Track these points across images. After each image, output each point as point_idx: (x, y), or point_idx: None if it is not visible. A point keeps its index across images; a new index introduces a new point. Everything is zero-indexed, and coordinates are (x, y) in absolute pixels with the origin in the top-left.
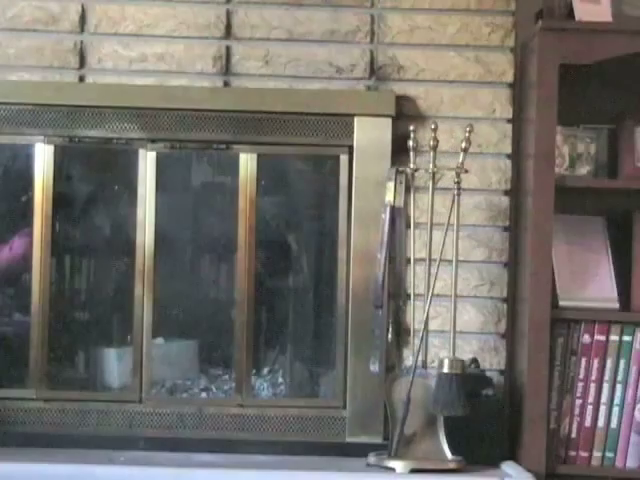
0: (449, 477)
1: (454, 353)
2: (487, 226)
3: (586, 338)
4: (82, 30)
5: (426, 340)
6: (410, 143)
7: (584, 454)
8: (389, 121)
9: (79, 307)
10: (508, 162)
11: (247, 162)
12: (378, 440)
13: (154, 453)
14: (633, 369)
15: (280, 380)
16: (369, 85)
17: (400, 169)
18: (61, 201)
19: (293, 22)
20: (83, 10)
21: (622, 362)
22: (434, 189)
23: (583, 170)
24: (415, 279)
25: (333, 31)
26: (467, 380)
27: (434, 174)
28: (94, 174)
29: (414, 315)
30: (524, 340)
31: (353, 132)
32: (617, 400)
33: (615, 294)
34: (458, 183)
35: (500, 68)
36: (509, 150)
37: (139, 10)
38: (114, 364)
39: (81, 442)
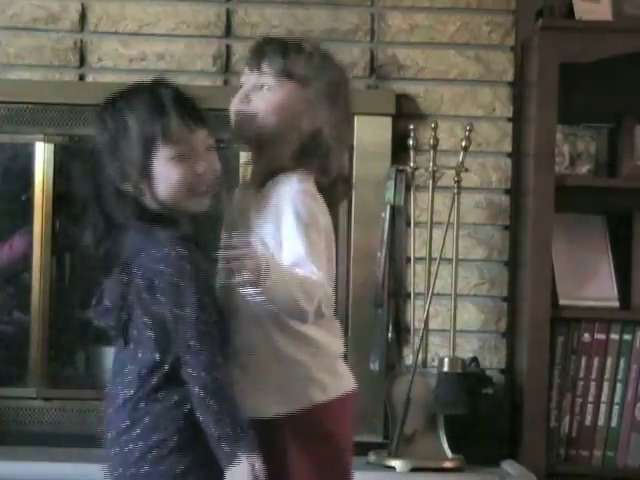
0: (449, 476)
1: (454, 352)
2: (487, 225)
3: (586, 337)
4: (82, 29)
5: (426, 339)
6: (410, 142)
7: (584, 453)
8: (389, 120)
9: (79, 306)
10: (508, 161)
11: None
12: (378, 439)
13: None
14: (633, 368)
15: None
16: (369, 84)
17: (400, 168)
18: (61, 200)
19: (293, 21)
20: (83, 9)
21: (622, 361)
22: (434, 188)
23: (583, 169)
24: (415, 278)
25: (333, 30)
26: (467, 379)
27: (434, 173)
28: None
29: (414, 314)
30: (524, 339)
31: (353, 131)
32: (617, 399)
33: (615, 293)
34: (458, 182)
35: (500, 67)
36: (509, 149)
37: (139, 9)
38: None
39: (81, 441)
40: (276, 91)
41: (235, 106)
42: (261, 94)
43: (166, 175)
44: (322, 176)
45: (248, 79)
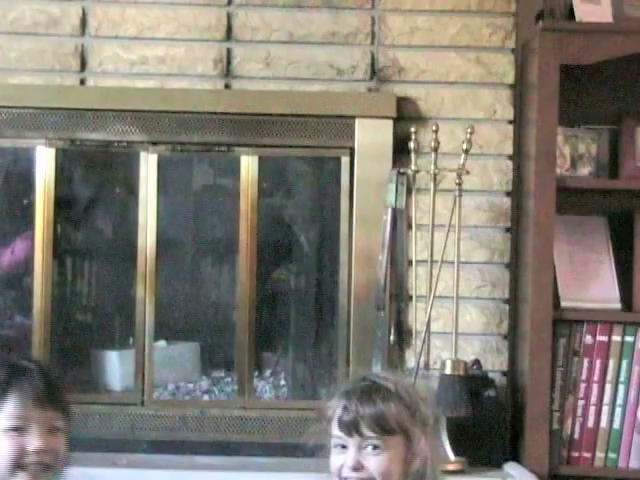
0: (451, 478)
1: (456, 354)
2: (488, 227)
3: (588, 339)
4: (83, 33)
5: (428, 341)
6: (411, 144)
7: (587, 455)
8: (390, 123)
9: (81, 310)
10: (509, 163)
11: (248, 164)
12: None
13: (156, 456)
14: (635, 369)
15: (282, 382)
16: (370, 87)
17: (401, 170)
18: (62, 204)
19: (294, 24)
20: (84, 13)
21: (624, 362)
22: (435, 190)
23: (584, 170)
24: (417, 280)
25: (334, 33)
26: (469, 381)
27: (435, 175)
28: (95, 177)
29: (416, 316)
30: (526, 341)
31: (354, 134)
32: (619, 401)
33: (617, 294)
34: (459, 184)
35: (501, 69)
36: (510, 151)
37: (140, 13)
38: (116, 366)
39: (83, 445)
40: (384, 451)
41: (347, 473)
42: (371, 458)
43: None
44: None
45: (347, 441)
